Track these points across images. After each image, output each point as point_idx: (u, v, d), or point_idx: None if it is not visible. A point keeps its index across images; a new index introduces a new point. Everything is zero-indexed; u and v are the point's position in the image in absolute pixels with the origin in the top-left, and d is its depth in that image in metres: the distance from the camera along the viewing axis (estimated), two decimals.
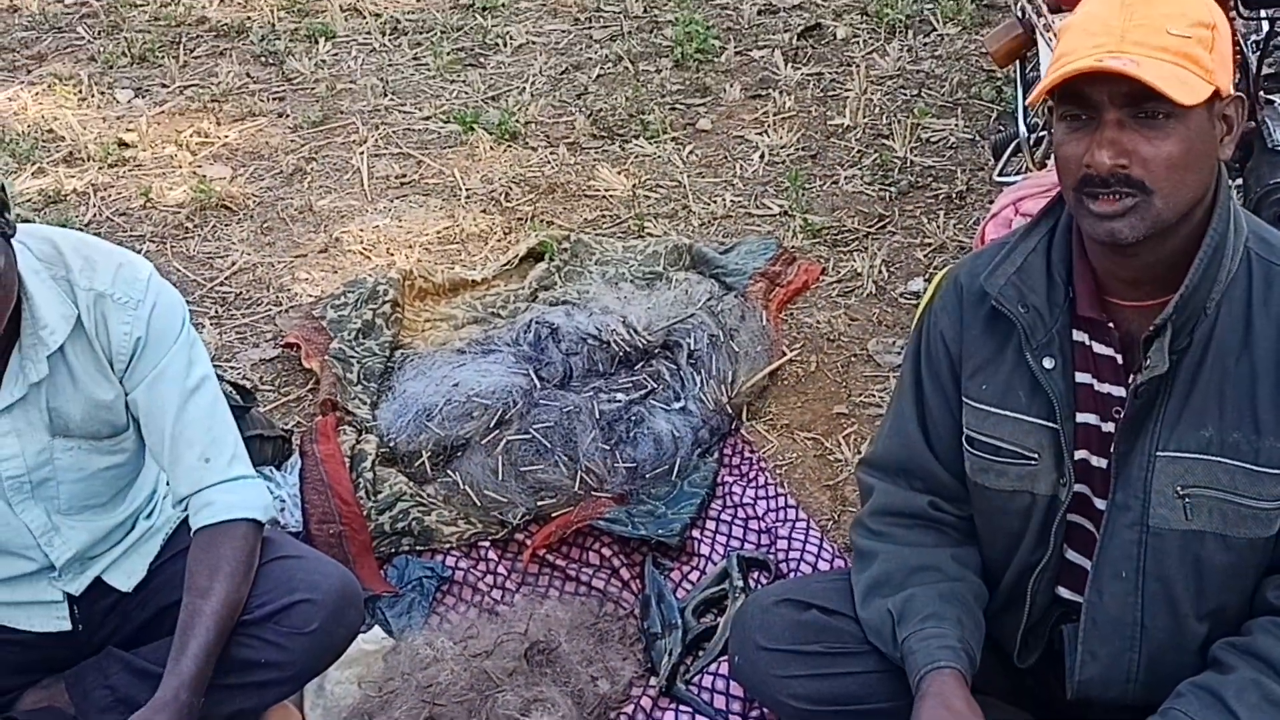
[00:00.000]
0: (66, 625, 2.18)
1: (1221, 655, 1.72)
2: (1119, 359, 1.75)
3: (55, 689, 2.22)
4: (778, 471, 2.92)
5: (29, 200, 4.02)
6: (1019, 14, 3.38)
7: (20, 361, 1.96)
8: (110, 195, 4.09)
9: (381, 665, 2.35)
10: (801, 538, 2.67)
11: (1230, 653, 1.71)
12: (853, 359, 3.25)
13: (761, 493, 2.83)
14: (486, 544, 2.73)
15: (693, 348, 3.10)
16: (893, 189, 3.91)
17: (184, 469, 2.08)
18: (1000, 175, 3.46)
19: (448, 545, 2.72)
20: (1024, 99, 3.40)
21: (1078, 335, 1.78)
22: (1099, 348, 1.76)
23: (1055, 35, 2.94)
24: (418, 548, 2.71)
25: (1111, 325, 1.74)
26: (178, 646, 1.97)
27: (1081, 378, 1.77)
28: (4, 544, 2.07)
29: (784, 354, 3.24)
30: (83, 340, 2.01)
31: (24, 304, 1.95)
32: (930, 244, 3.64)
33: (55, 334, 1.97)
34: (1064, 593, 1.88)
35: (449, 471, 2.85)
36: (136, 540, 2.23)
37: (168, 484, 2.33)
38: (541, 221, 3.87)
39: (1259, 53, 3.21)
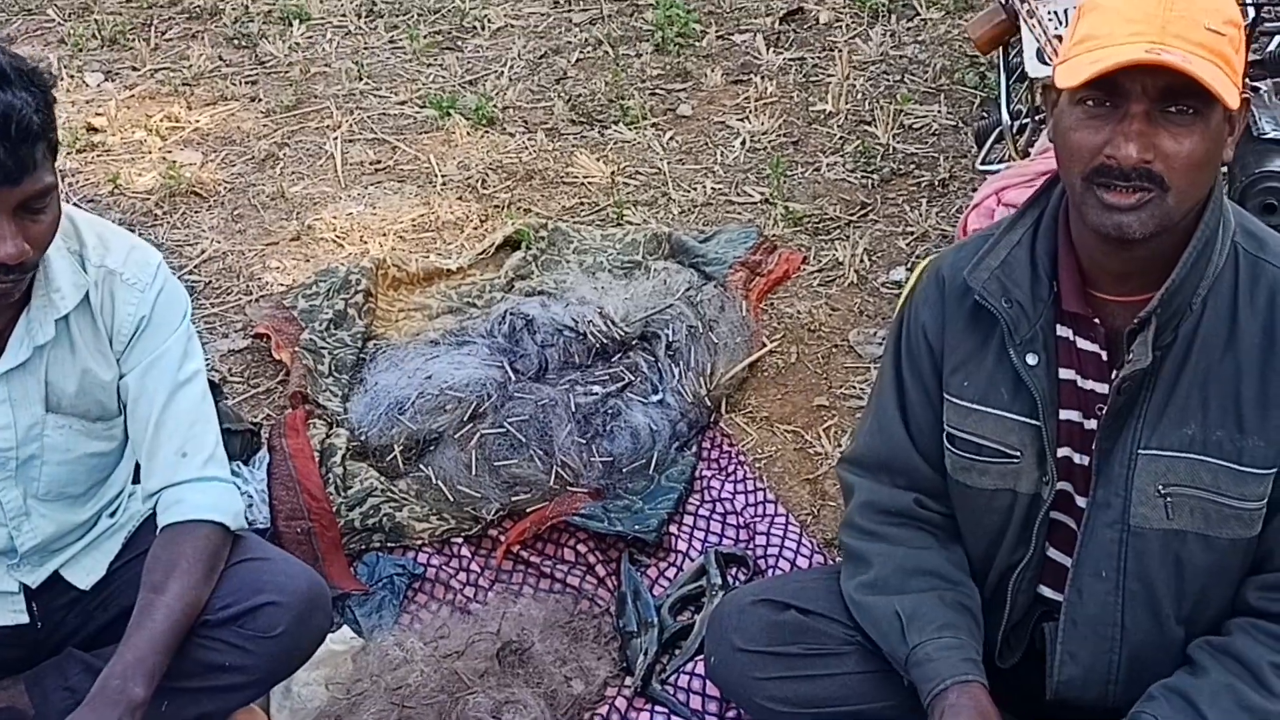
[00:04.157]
0: (24, 618, 2.13)
1: (1197, 656, 1.70)
2: (1103, 355, 1.71)
3: (14, 690, 2.16)
4: (757, 465, 2.88)
5: None
6: (1002, 0, 3.34)
7: (28, 324, 1.94)
8: (78, 181, 4.01)
9: (350, 666, 2.30)
10: (780, 533, 2.63)
11: (1206, 653, 1.69)
12: (834, 350, 3.21)
13: (740, 487, 2.79)
14: (459, 540, 2.68)
15: (671, 339, 3.05)
16: (875, 176, 3.87)
17: (160, 461, 2.05)
18: (983, 164, 3.41)
19: (420, 542, 2.67)
20: (1007, 85, 3.35)
21: (1061, 330, 1.74)
22: (1083, 343, 1.73)
23: (1039, 22, 2.90)
24: (389, 544, 2.66)
25: (1096, 320, 1.71)
26: (124, 639, 1.92)
27: (1065, 374, 1.74)
28: None
29: (764, 345, 3.19)
30: (87, 315, 1.99)
31: (40, 265, 1.91)
32: (913, 232, 3.60)
33: (67, 299, 1.95)
34: (1045, 591, 1.85)
35: (421, 466, 2.79)
36: (98, 537, 2.18)
37: (134, 481, 2.29)
38: (518, 209, 3.82)
39: (1245, 39, 3.17)
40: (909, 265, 3.44)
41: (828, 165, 3.95)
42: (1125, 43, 1.53)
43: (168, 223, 3.80)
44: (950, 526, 1.89)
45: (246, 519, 2.57)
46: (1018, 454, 1.76)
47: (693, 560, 2.62)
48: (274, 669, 2.12)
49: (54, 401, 2.00)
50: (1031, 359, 1.73)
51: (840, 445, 2.88)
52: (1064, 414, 1.75)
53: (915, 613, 1.79)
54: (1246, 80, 3.06)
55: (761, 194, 3.83)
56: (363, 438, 2.85)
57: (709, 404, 2.99)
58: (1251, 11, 3.15)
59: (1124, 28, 1.55)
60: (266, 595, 2.04)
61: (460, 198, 3.90)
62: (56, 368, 1.99)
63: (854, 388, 3.07)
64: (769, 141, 4.09)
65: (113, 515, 2.21)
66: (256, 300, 3.45)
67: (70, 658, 2.15)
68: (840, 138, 4.08)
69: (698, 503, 2.76)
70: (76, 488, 2.10)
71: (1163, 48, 1.51)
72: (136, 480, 2.31)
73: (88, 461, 2.08)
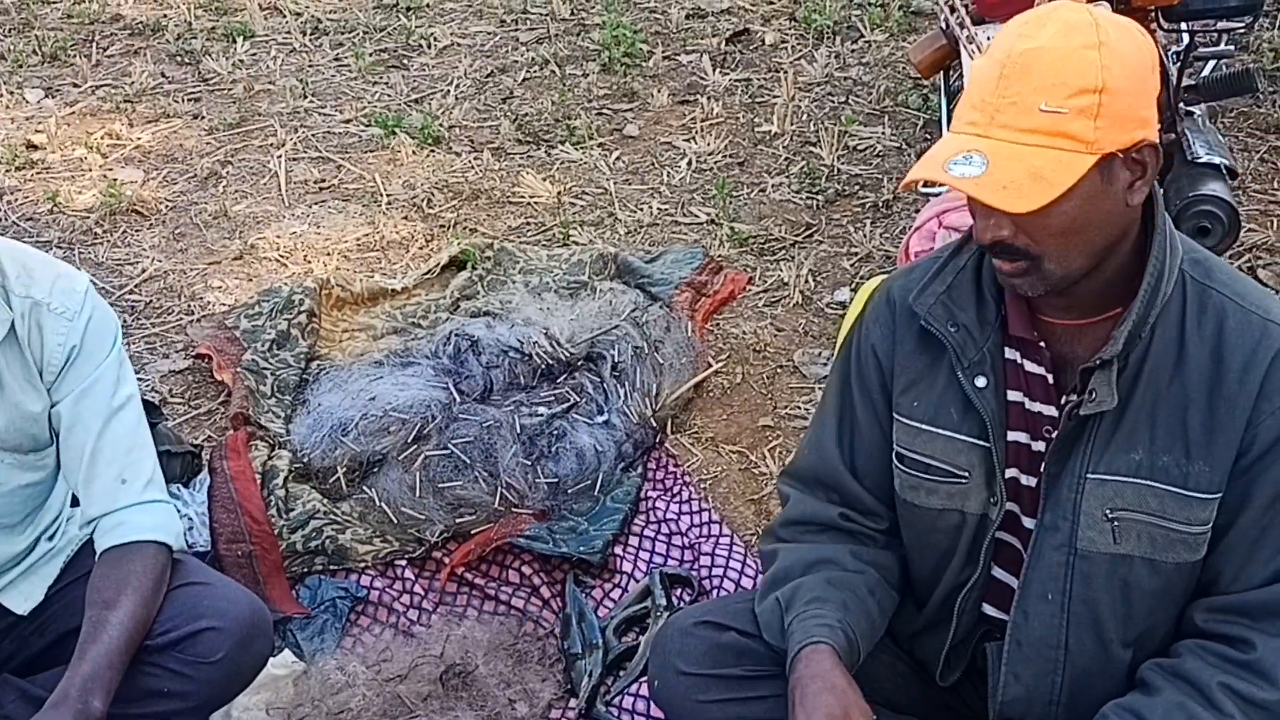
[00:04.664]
0: None
1: (1149, 677, 1.70)
2: (1049, 378, 1.73)
3: None
4: (702, 486, 2.88)
5: None
6: (943, 25, 3.38)
7: None
8: (17, 199, 3.96)
9: (291, 691, 2.28)
10: (725, 553, 2.63)
11: (1157, 674, 1.69)
12: (779, 370, 3.22)
13: (685, 508, 2.80)
14: (403, 563, 2.67)
15: (616, 360, 3.05)
16: (820, 197, 3.90)
17: (99, 488, 2.02)
18: (925, 186, 3.45)
19: (363, 564, 2.65)
20: (949, 108, 3.40)
21: (1009, 353, 1.75)
22: (1030, 366, 1.74)
23: (978, 48, 2.94)
24: (331, 567, 2.64)
25: (1043, 344, 1.72)
26: (78, 654, 1.89)
27: (1013, 395, 1.75)
28: None
29: (709, 365, 3.21)
30: (14, 349, 1.95)
31: None
32: (857, 253, 3.63)
33: None
34: (989, 610, 1.85)
35: (365, 488, 2.77)
36: (36, 561, 2.15)
37: (73, 505, 2.25)
38: (464, 229, 3.81)
39: (1179, 64, 3.23)
40: (853, 286, 3.46)
41: (773, 186, 3.98)
42: (961, 132, 1.56)
43: (108, 241, 3.75)
44: (876, 540, 1.89)
45: (186, 542, 2.55)
46: (966, 474, 1.77)
47: (638, 581, 2.62)
48: (214, 694, 2.09)
49: None
50: (980, 381, 1.74)
51: (784, 465, 2.89)
52: (1012, 435, 1.76)
53: (794, 595, 1.79)
54: (1180, 105, 3.13)
55: (708, 214, 3.85)
56: (305, 459, 2.83)
57: (654, 425, 3.00)
58: (1186, 38, 3.21)
59: (966, 114, 1.57)
60: (207, 620, 2.01)
61: (405, 217, 3.89)
62: None
63: (799, 408, 3.08)
64: (715, 162, 4.12)
65: (51, 539, 2.18)
66: (198, 320, 3.41)
67: (6, 684, 2.10)
68: (786, 159, 4.11)
69: (643, 524, 2.77)
70: (12, 518, 2.07)
71: (979, 138, 1.53)
72: (75, 504, 2.28)
73: (21, 493, 2.05)
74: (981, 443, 1.75)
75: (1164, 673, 1.69)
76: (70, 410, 2.01)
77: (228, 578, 2.25)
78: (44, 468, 2.07)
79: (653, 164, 4.14)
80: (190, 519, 2.61)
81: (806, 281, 3.51)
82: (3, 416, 1.97)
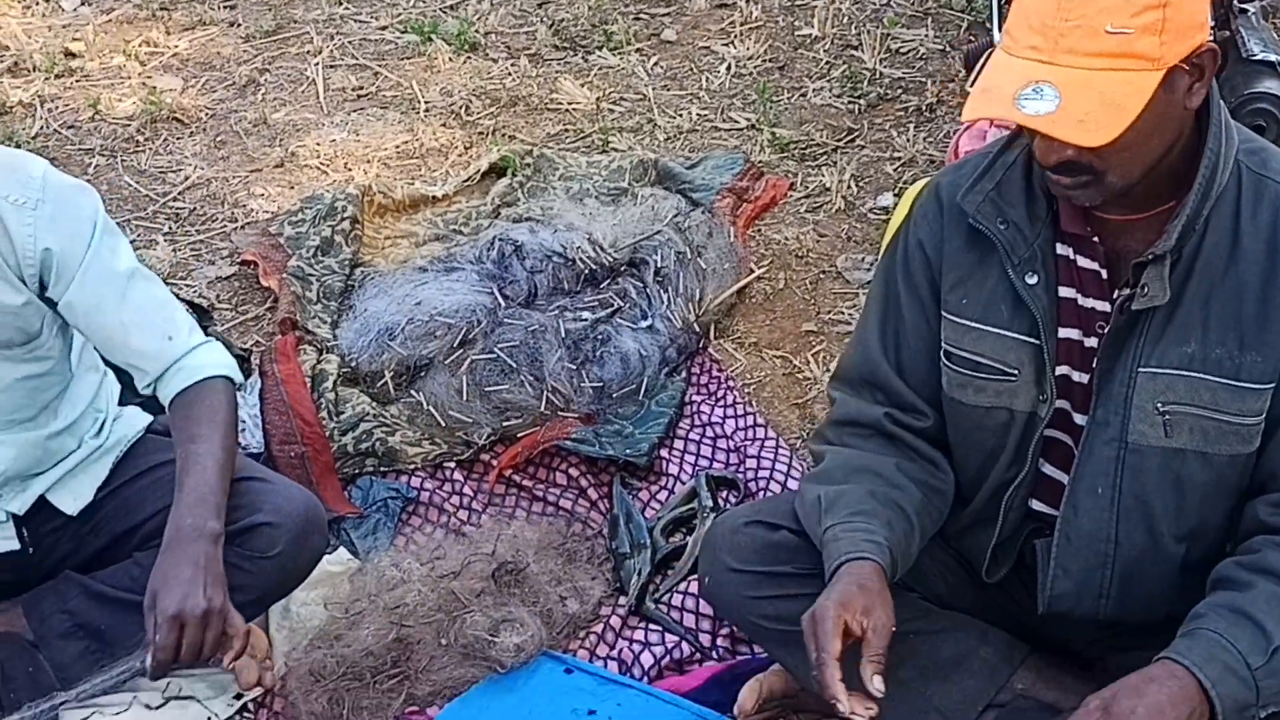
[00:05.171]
0: (15, 544, 2.13)
1: (1234, 574, 1.67)
2: (1103, 274, 1.72)
3: (12, 614, 2.18)
4: (746, 390, 2.89)
5: None
6: None
7: None
8: (57, 107, 3.95)
9: (347, 587, 2.32)
10: (771, 456, 2.65)
11: (1242, 570, 1.66)
12: (821, 275, 3.21)
13: (730, 411, 2.81)
14: (452, 465, 2.70)
15: (659, 265, 3.05)
16: (861, 101, 3.85)
17: (150, 353, 2.05)
18: (973, 86, 3.39)
19: (412, 466, 2.68)
20: (998, 6, 3.33)
21: (1061, 249, 1.74)
22: (1083, 262, 1.73)
23: None
24: (382, 469, 2.67)
25: (1096, 240, 1.71)
26: (176, 490, 1.95)
27: (1065, 292, 1.74)
28: None
29: (752, 271, 3.20)
30: None
31: None
32: (899, 158, 3.59)
33: None
34: (1037, 506, 1.86)
35: (412, 392, 2.80)
36: (82, 461, 2.18)
37: (120, 404, 2.28)
38: (503, 136, 3.79)
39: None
40: (896, 191, 3.43)
41: (814, 90, 3.93)
42: (1022, 56, 1.51)
43: (150, 149, 3.76)
44: (920, 445, 1.88)
45: (240, 444, 2.59)
46: (1015, 372, 1.77)
47: (684, 484, 2.64)
48: (272, 587, 2.15)
49: None
50: (1031, 278, 1.73)
51: (829, 370, 2.89)
52: (1063, 332, 1.75)
53: (836, 499, 1.80)
54: (1234, 2, 3.06)
55: (748, 120, 3.81)
56: (353, 364, 2.85)
57: (698, 330, 3.00)
58: None
59: (1025, 36, 1.52)
60: (264, 515, 2.06)
61: (444, 124, 3.87)
62: None
63: (842, 313, 3.08)
64: (755, 67, 4.06)
65: (97, 437, 2.20)
66: (242, 227, 3.42)
67: (67, 581, 2.16)
68: (826, 63, 4.05)
69: (688, 427, 2.78)
70: (24, 412, 2.08)
71: (1045, 65, 1.49)
72: (123, 403, 2.32)
73: (23, 386, 2.06)
74: (1032, 340, 1.75)
75: (1248, 569, 1.66)
76: (82, 296, 2.00)
77: (282, 475, 2.30)
78: (40, 359, 2.06)
79: (691, 69, 4.09)
80: (244, 421, 2.64)
81: (849, 187, 3.48)
82: None
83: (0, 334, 1.99)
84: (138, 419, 2.28)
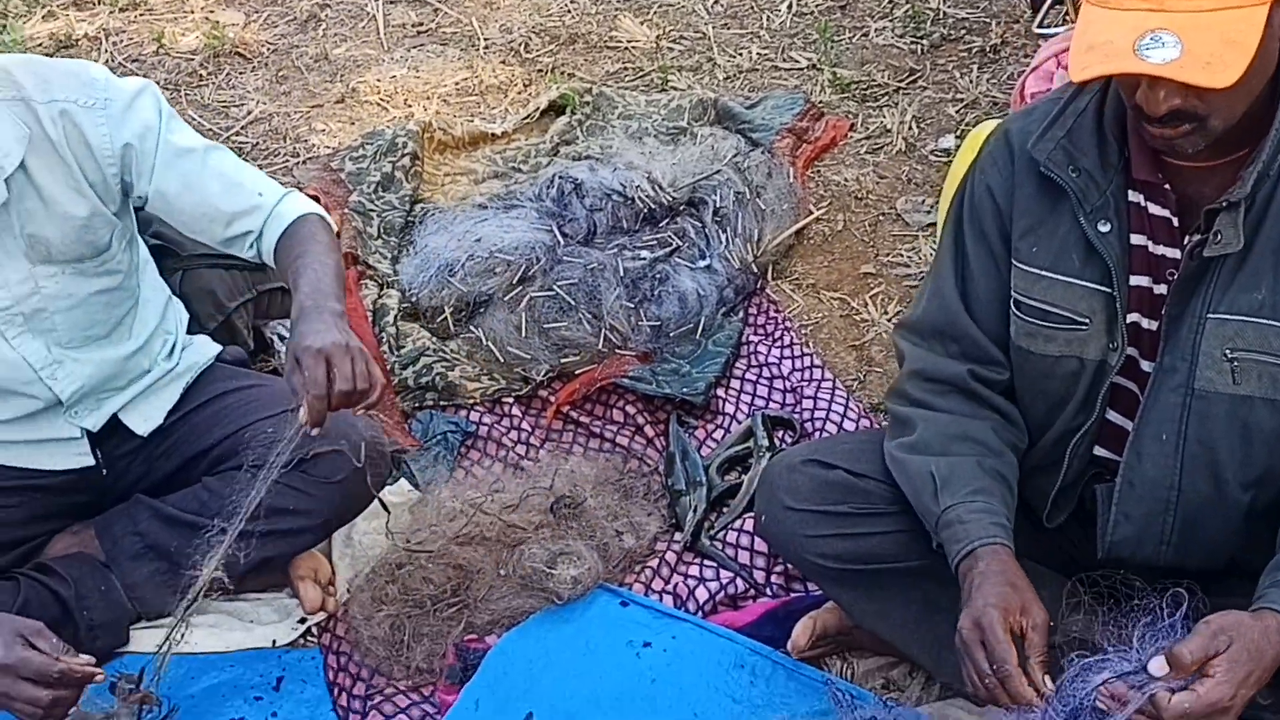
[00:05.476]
0: (89, 460, 2.19)
1: None
2: (1174, 221, 1.70)
3: (85, 535, 2.24)
4: (803, 331, 2.89)
5: (40, 45, 3.92)
6: None
7: None
8: (122, 40, 3.99)
9: (408, 517, 2.36)
10: (827, 398, 2.65)
11: None
12: (881, 218, 3.19)
13: (787, 352, 2.81)
14: (510, 400, 2.73)
15: (718, 205, 3.04)
16: (924, 41, 3.80)
17: (246, 211, 2.11)
18: (1040, 27, 3.34)
19: (471, 401, 2.71)
20: None
21: (1133, 196, 1.72)
22: (1154, 209, 1.71)
23: None
24: (441, 403, 2.71)
25: (1168, 187, 1.69)
26: (294, 293, 1.97)
27: (1136, 239, 1.73)
28: (4, 382, 2.06)
29: (811, 212, 3.18)
30: (50, 157, 1.98)
31: None
32: (962, 99, 3.55)
33: (10, 155, 1.94)
34: (1100, 452, 1.85)
35: (472, 327, 2.82)
36: (154, 383, 2.23)
37: (189, 333, 2.33)
38: (562, 74, 3.78)
39: None
40: (958, 133, 3.40)
41: (876, 30, 3.88)
42: (1130, 8, 1.49)
43: (213, 83, 3.79)
44: (1002, 399, 1.87)
45: None
46: (1087, 320, 1.75)
47: (739, 423, 2.65)
48: (335, 514, 2.20)
49: (40, 253, 2.01)
50: (1104, 226, 1.71)
51: (887, 313, 2.89)
52: (1134, 280, 1.73)
53: (950, 475, 1.78)
54: None
55: (808, 59, 3.77)
56: (414, 299, 2.88)
57: (756, 270, 3.00)
58: None
59: None
60: (329, 443, 2.09)
61: (503, 61, 3.86)
62: (32, 221, 1.99)
63: (901, 255, 3.06)
64: (816, 6, 4.02)
65: (169, 358, 2.25)
66: (304, 162, 3.45)
67: (138, 504, 2.22)
68: (889, 2, 4.00)
69: (744, 367, 2.79)
70: (99, 328, 2.13)
71: (1164, 14, 1.47)
72: (192, 331, 2.36)
73: (98, 300, 2.11)
74: (1103, 288, 1.73)
75: None
76: (168, 180, 2.06)
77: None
78: (111, 272, 2.11)
79: (752, 7, 4.05)
80: None
81: (910, 128, 3.45)
82: (55, 230, 2.01)
83: (71, 249, 2.03)
84: (208, 347, 2.33)
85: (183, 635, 1.96)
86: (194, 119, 3.61)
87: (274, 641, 2.23)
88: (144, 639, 2.17)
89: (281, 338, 2.72)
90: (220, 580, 1.92)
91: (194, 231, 2.15)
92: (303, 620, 2.26)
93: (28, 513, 2.18)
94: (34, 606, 2.04)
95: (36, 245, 2.00)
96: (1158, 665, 1.51)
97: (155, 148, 2.04)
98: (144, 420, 2.22)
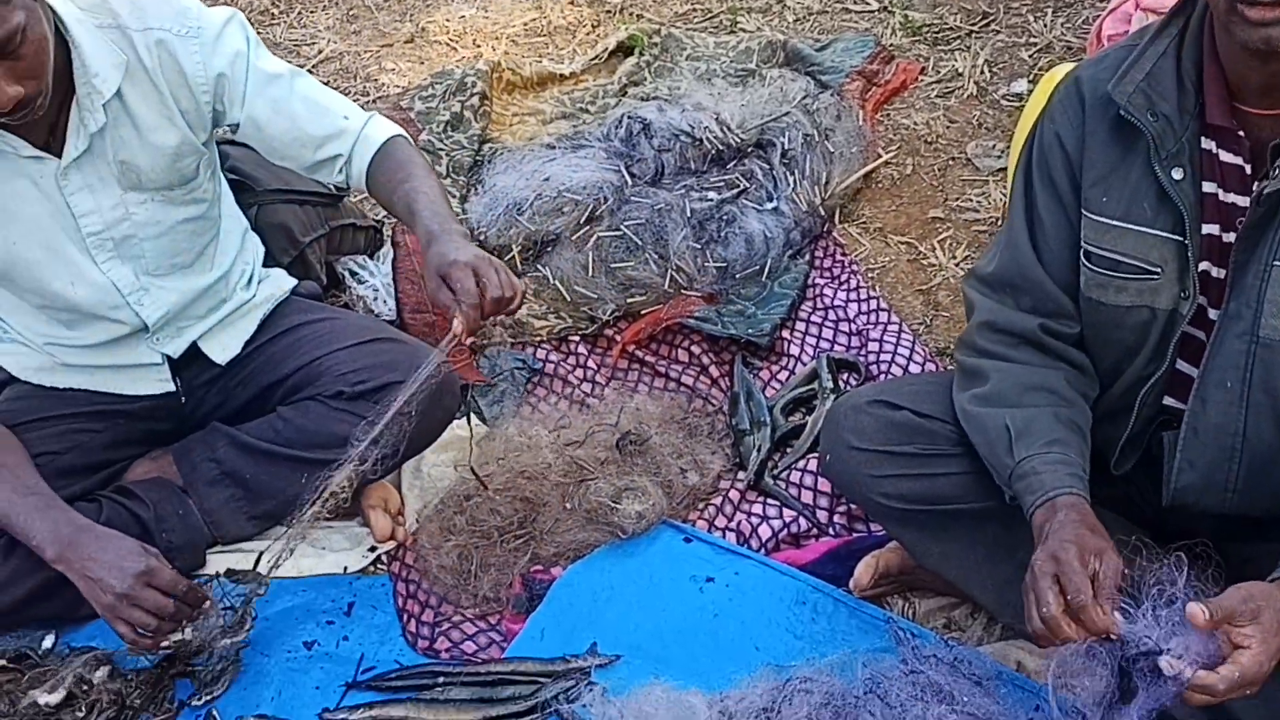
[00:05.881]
0: (170, 386, 2.25)
1: None
2: (1246, 168, 1.67)
3: (163, 460, 2.30)
4: (870, 275, 2.89)
5: None
6: None
7: (79, 114, 1.97)
8: None
9: (476, 450, 2.39)
10: (893, 341, 2.65)
11: None
12: (950, 162, 3.16)
13: (853, 295, 2.81)
14: (576, 339, 2.75)
15: (786, 147, 3.03)
16: None
17: (335, 133, 2.15)
18: None
19: (538, 339, 2.74)
20: None
21: (1205, 143, 1.70)
22: (1226, 156, 1.69)
23: None
24: (509, 340, 2.73)
25: (1241, 133, 1.66)
26: (415, 221, 2.03)
27: (1207, 187, 1.70)
28: (93, 306, 2.12)
29: (879, 155, 3.16)
30: (144, 85, 2.01)
31: (73, 55, 1.94)
32: (1036, 44, 3.49)
33: (108, 81, 1.97)
34: (1169, 401, 1.84)
35: (539, 266, 2.85)
36: (231, 313, 2.29)
37: (265, 265, 2.37)
38: (630, 15, 3.77)
39: None
40: (1031, 78, 3.35)
41: None
42: None
43: (284, 22, 3.82)
44: (1073, 352, 1.87)
45: (373, 310, 2.67)
46: (1158, 270, 1.74)
47: (804, 365, 2.66)
48: (405, 445, 2.22)
49: (131, 179, 2.05)
50: (1177, 173, 1.69)
51: (955, 258, 2.87)
52: (1205, 228, 1.71)
53: (1026, 427, 1.78)
54: None
55: (879, 2, 3.73)
56: (482, 237, 2.90)
57: (823, 213, 2.99)
58: None
59: None
60: (399, 374, 2.12)
61: (572, 2, 3.86)
62: (125, 148, 2.03)
63: (970, 200, 3.04)
64: None
65: (247, 289, 2.30)
66: (374, 101, 3.48)
67: (215, 431, 2.27)
68: None
69: (810, 309, 2.79)
70: (184, 256, 2.18)
71: None
72: (268, 264, 2.40)
73: (184, 229, 2.15)
74: (1176, 237, 1.71)
75: None
76: (259, 106, 2.10)
77: (415, 339, 2.37)
78: (198, 201, 2.16)
79: None
80: (376, 289, 2.72)
81: (982, 72, 3.41)
82: (146, 158, 2.05)
83: (161, 176, 2.08)
84: (285, 280, 2.37)
85: (297, 544, 2.03)
86: None
87: (345, 568, 2.28)
88: (219, 563, 2.23)
89: (353, 273, 2.76)
90: (344, 495, 1.99)
91: (282, 157, 2.18)
92: (373, 549, 2.31)
93: (110, 437, 2.25)
94: (116, 527, 2.09)
95: (128, 172, 2.04)
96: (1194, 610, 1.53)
97: (246, 75, 2.08)
98: (222, 349, 2.28)
